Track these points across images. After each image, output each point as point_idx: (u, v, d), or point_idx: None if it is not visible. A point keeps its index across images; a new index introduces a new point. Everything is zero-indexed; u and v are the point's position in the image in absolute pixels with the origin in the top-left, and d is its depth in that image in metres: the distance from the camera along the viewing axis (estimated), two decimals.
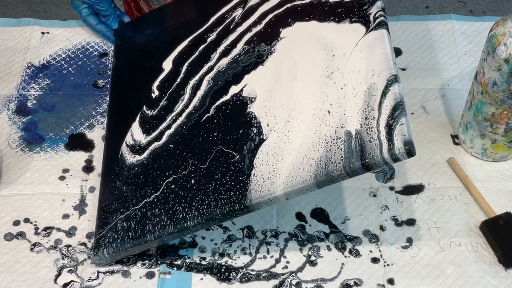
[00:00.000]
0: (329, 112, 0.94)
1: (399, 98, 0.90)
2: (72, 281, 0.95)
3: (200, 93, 1.05)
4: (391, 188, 1.04)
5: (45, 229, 1.00)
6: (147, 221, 0.94)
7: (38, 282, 0.95)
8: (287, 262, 0.96)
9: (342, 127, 0.92)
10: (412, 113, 1.13)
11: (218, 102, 1.02)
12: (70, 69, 1.20)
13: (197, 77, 1.08)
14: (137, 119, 1.07)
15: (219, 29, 1.13)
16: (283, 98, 0.99)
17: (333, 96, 0.95)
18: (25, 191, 1.04)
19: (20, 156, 1.08)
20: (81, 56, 1.21)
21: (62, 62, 1.21)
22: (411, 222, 1.00)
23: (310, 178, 0.89)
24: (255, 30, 1.09)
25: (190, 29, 1.16)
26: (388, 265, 0.96)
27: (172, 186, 0.96)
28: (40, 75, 1.19)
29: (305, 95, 0.97)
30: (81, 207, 1.02)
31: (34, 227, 1.00)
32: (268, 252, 0.97)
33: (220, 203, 0.92)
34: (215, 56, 1.09)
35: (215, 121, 1.00)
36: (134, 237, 0.94)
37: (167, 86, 1.09)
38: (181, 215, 0.93)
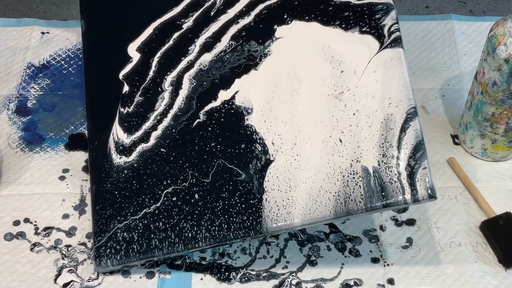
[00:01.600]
0: (341, 141, 0.88)
1: (420, 136, 0.85)
2: (72, 281, 0.95)
3: (183, 92, 0.97)
4: None
5: (45, 229, 1.00)
6: (152, 235, 0.92)
7: (38, 282, 0.95)
8: (287, 262, 0.96)
9: (357, 161, 0.87)
10: None
11: (207, 108, 0.96)
12: (70, 69, 1.20)
13: (174, 72, 0.98)
14: (116, 116, 0.99)
15: (196, 14, 1.01)
16: (285, 115, 0.92)
17: (344, 122, 0.89)
18: (25, 191, 1.04)
19: (20, 156, 1.08)
20: (81, 56, 1.21)
21: (62, 62, 1.20)
22: (411, 222, 1.00)
23: (330, 214, 0.87)
24: (243, 22, 0.98)
25: (160, 9, 1.03)
26: (388, 265, 0.96)
27: (173, 199, 0.93)
28: (40, 75, 1.19)
29: (312, 116, 0.91)
30: (81, 207, 1.02)
31: (34, 227, 1.00)
32: (268, 252, 0.97)
33: (233, 227, 0.89)
34: (195, 49, 0.99)
35: (209, 129, 0.94)
36: (140, 251, 0.92)
37: (137, 80, 1.00)
38: (190, 234, 0.91)
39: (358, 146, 0.87)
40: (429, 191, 0.84)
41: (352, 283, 0.94)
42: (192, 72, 0.98)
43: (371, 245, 0.98)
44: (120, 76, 1.02)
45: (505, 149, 1.05)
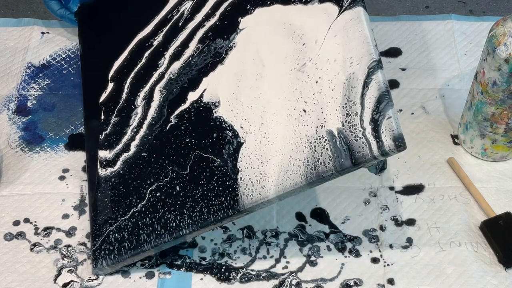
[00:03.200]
0: (304, 111, 0.87)
1: (384, 88, 0.82)
2: (72, 281, 0.95)
3: (155, 103, 1.00)
4: (391, 188, 1.04)
5: (45, 229, 1.00)
6: (140, 231, 0.93)
7: (38, 282, 0.95)
8: (287, 262, 0.96)
9: (322, 126, 0.86)
10: (412, 113, 1.13)
11: (177, 111, 0.98)
12: (70, 69, 1.20)
13: (146, 87, 1.02)
14: (99, 141, 1.03)
15: (165, 29, 1.04)
16: (250, 99, 0.92)
17: (307, 92, 0.87)
18: (25, 191, 1.04)
19: (20, 156, 1.08)
20: None
21: (62, 62, 1.20)
22: (411, 222, 1.00)
23: (301, 180, 0.86)
24: (208, 24, 0.99)
25: (132, 31, 1.08)
26: (388, 265, 0.96)
27: (157, 194, 0.95)
28: (40, 75, 1.19)
29: (275, 95, 0.90)
30: (81, 207, 1.02)
31: (34, 227, 1.00)
32: (268, 252, 0.97)
33: (212, 210, 0.90)
34: (164, 61, 1.02)
35: (182, 127, 0.96)
36: (131, 248, 0.93)
37: (112, 105, 1.05)
38: (174, 224, 0.92)
39: (322, 112, 0.86)
40: (396, 141, 0.80)
41: (352, 283, 0.94)
42: (162, 83, 1.01)
43: (371, 245, 0.98)
44: (99, 102, 1.07)
45: (505, 149, 1.05)
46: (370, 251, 0.97)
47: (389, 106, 0.81)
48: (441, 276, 0.94)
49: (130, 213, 0.95)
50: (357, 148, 0.82)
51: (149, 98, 1.01)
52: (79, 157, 1.08)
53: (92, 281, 0.95)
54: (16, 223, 1.01)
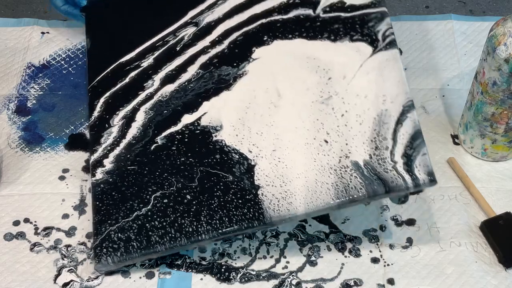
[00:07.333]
0: (326, 141, 0.90)
1: (418, 126, 0.88)
2: (72, 280, 0.95)
3: (137, 124, 1.00)
4: None
5: (45, 229, 1.00)
6: (150, 233, 0.93)
7: (38, 282, 0.95)
8: (287, 262, 0.96)
9: (346, 157, 0.89)
10: None
11: (165, 133, 0.97)
12: (70, 69, 1.20)
13: (128, 107, 1.01)
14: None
15: (157, 52, 1.04)
16: (260, 126, 0.94)
17: (331, 124, 0.91)
18: (25, 191, 1.04)
19: (20, 156, 1.08)
20: (81, 56, 1.21)
21: (62, 62, 1.20)
22: (411, 222, 1.00)
23: (333, 201, 0.88)
24: (214, 51, 1.00)
25: (119, 52, 1.07)
26: (388, 265, 0.96)
27: (164, 201, 0.94)
28: (40, 75, 1.19)
29: (292, 124, 0.92)
30: (81, 207, 1.02)
31: (34, 227, 1.00)
32: (268, 252, 0.97)
33: (235, 219, 0.91)
34: (154, 83, 1.01)
35: (173, 148, 0.96)
36: (141, 247, 0.93)
37: (89, 117, 1.04)
38: (190, 229, 0.92)
39: (347, 144, 0.89)
40: (430, 176, 0.86)
41: (352, 283, 0.94)
42: (149, 104, 1.01)
43: (371, 245, 0.98)
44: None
45: (505, 149, 1.05)
46: (370, 251, 0.97)
47: (423, 144, 0.87)
48: (441, 276, 0.94)
49: (134, 215, 0.95)
50: (390, 179, 0.87)
51: (130, 118, 1.01)
52: (79, 157, 1.08)
53: (92, 280, 0.95)
54: (16, 223, 1.00)
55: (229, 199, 0.92)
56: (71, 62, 1.20)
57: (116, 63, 1.07)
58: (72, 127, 1.12)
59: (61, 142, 1.10)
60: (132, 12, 1.12)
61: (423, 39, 1.23)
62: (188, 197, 0.94)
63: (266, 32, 0.99)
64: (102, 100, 1.04)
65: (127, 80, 1.04)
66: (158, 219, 0.93)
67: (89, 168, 1.01)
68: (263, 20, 0.99)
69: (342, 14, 0.96)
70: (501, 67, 0.94)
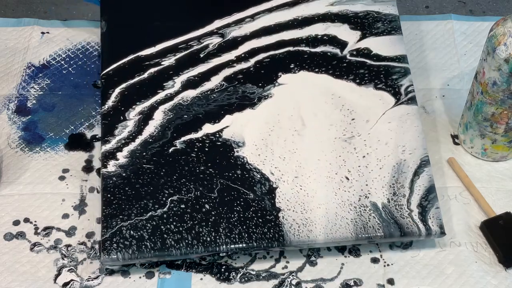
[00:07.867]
0: (347, 178, 0.94)
1: (433, 181, 0.94)
2: (72, 280, 0.95)
3: (155, 122, 0.99)
4: None
5: (45, 229, 1.00)
6: (165, 236, 0.93)
7: (38, 282, 0.95)
8: (287, 262, 0.96)
9: (366, 197, 0.93)
10: None
11: (184, 138, 0.98)
12: (70, 69, 1.20)
13: (146, 103, 1.01)
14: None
15: (180, 54, 1.04)
16: (283, 151, 0.96)
17: (352, 163, 0.95)
18: (25, 191, 1.04)
19: (20, 156, 1.08)
20: (81, 56, 1.21)
21: (62, 62, 1.20)
22: None
23: (351, 236, 0.92)
24: (240, 66, 1.02)
25: (134, 46, 1.06)
26: (388, 265, 0.96)
27: (181, 206, 0.94)
28: (40, 75, 1.19)
29: (315, 155, 0.95)
30: (81, 207, 1.02)
31: (34, 227, 1.00)
32: (268, 252, 0.97)
33: (254, 237, 0.92)
34: (175, 85, 1.02)
35: (193, 155, 0.96)
36: (155, 249, 0.92)
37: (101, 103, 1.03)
38: (209, 239, 0.92)
39: (367, 185, 0.94)
40: (441, 228, 0.93)
41: (352, 283, 0.94)
42: (168, 105, 1.01)
43: (371, 245, 0.98)
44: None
45: (505, 149, 1.04)
46: (370, 251, 0.97)
47: (437, 198, 0.94)
48: (441, 276, 0.94)
49: (148, 215, 0.94)
50: (406, 225, 0.92)
51: (147, 115, 1.01)
52: (79, 157, 1.08)
53: (92, 280, 0.95)
54: (16, 223, 1.00)
55: (249, 216, 0.93)
56: (71, 62, 1.20)
57: (134, 56, 1.06)
58: (72, 127, 1.12)
59: (61, 142, 1.10)
60: (152, 5, 1.12)
61: (423, 39, 1.23)
62: (207, 206, 0.94)
63: (293, 61, 1.02)
64: (117, 90, 1.03)
65: (145, 75, 1.04)
66: (174, 223, 0.93)
67: (100, 157, 1.00)
68: (291, 48, 1.02)
69: (368, 61, 1.01)
70: (501, 67, 0.94)
